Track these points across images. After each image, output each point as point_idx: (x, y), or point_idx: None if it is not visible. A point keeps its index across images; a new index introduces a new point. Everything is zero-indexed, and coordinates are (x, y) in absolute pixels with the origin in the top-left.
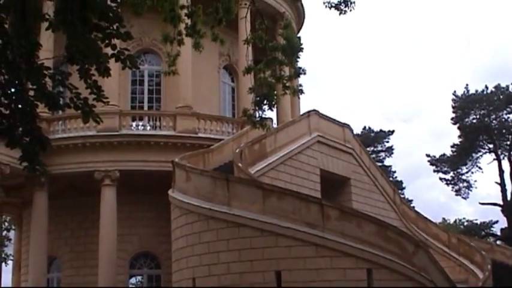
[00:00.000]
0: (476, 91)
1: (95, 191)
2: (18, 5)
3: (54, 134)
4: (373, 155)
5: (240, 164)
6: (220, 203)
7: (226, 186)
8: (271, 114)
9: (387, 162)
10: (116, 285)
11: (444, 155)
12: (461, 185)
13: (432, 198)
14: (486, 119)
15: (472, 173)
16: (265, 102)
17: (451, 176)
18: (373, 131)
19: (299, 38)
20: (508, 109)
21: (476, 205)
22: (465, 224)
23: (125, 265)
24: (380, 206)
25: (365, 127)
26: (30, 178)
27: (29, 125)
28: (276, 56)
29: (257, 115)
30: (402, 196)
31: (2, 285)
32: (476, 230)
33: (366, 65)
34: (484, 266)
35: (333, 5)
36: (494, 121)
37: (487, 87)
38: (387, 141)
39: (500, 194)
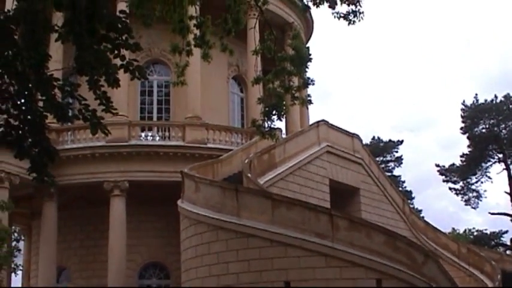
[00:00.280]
0: (486, 101)
1: (104, 202)
2: (28, 17)
3: (64, 144)
4: (382, 165)
5: (249, 174)
6: (230, 214)
7: (235, 196)
8: (280, 124)
9: (396, 172)
10: None
11: (453, 164)
12: (470, 194)
13: (441, 208)
14: (495, 129)
15: (482, 182)
16: (274, 112)
17: (460, 186)
18: (382, 141)
19: (308, 48)
20: None
21: (485, 215)
22: (475, 234)
23: (134, 275)
24: (389, 216)
25: (374, 137)
26: (40, 189)
27: (38, 136)
28: (285, 66)
29: (266, 125)
30: (411, 206)
31: None
32: (486, 240)
33: (374, 75)
34: (494, 276)
35: (342, 15)
36: (503, 130)
37: (496, 97)
38: (396, 151)
39: (509, 203)
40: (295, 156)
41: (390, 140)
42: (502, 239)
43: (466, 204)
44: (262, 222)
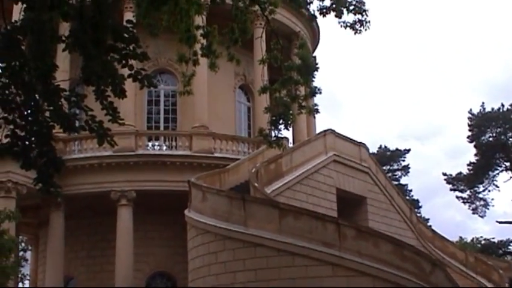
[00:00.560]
0: (493, 109)
1: (111, 211)
2: (35, 27)
3: (71, 154)
4: (389, 174)
5: (256, 184)
6: (237, 223)
7: (242, 206)
8: (286, 133)
9: (403, 181)
10: None
11: (461, 173)
12: (478, 203)
13: (448, 217)
14: (502, 137)
15: (489, 191)
16: (281, 121)
17: (467, 195)
18: (389, 150)
19: (314, 57)
20: None
21: (493, 223)
22: (482, 242)
23: (142, 285)
24: (396, 225)
25: (381, 146)
26: (47, 198)
27: (44, 147)
28: (292, 75)
29: (273, 135)
30: (419, 215)
31: None
32: (494, 249)
33: (380, 83)
34: (502, 285)
35: (348, 24)
36: (510, 139)
37: (503, 105)
38: (403, 160)
39: None
40: (302, 166)
41: (397, 149)
42: (509, 247)
43: (473, 213)
44: (269, 231)
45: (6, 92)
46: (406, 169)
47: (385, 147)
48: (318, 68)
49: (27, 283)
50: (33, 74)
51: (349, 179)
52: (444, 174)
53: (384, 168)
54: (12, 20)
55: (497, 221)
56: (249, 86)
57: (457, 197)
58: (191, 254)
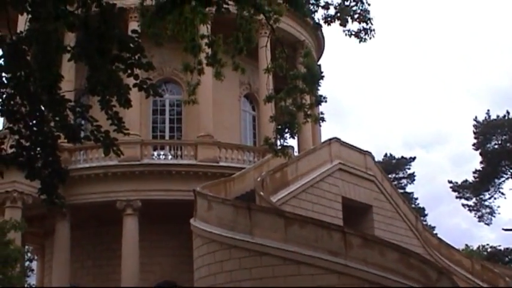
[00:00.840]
0: (498, 116)
1: (116, 221)
2: (40, 37)
3: (76, 164)
4: (395, 182)
5: (261, 193)
6: (242, 232)
7: (248, 214)
8: (292, 142)
9: (409, 189)
10: None
11: (466, 181)
12: (484, 211)
13: (454, 224)
14: (508, 144)
15: (495, 198)
16: (286, 130)
17: (473, 202)
18: (394, 158)
19: (319, 66)
20: None
21: (499, 231)
22: (488, 250)
23: None
24: (402, 233)
25: (386, 154)
26: (52, 208)
27: (50, 157)
28: (297, 84)
29: (278, 143)
30: (424, 223)
31: None
32: (500, 256)
33: (385, 91)
34: None
35: (353, 33)
36: None
37: (508, 113)
38: (408, 168)
39: None
40: (308, 174)
41: (402, 157)
42: None
43: (479, 221)
44: (275, 240)
45: (12, 102)
46: (411, 177)
47: (391, 155)
48: (323, 76)
49: None
50: (39, 84)
51: (355, 187)
52: (450, 182)
53: (390, 176)
54: (18, 31)
55: (503, 229)
56: (254, 94)
57: (463, 205)
58: (197, 263)
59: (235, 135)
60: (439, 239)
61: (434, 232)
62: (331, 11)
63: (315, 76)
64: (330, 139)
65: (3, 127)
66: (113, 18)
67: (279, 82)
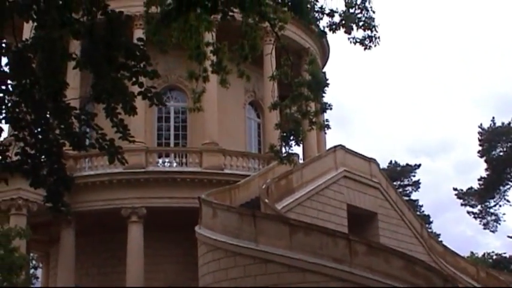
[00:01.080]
0: (503, 123)
1: (121, 228)
2: (45, 45)
3: (81, 171)
4: (400, 190)
5: (266, 200)
6: (247, 239)
7: (253, 222)
8: (297, 149)
9: (414, 196)
10: None
11: (471, 188)
12: (489, 218)
13: (459, 232)
14: None
15: (500, 206)
16: (291, 137)
17: (478, 210)
18: (399, 165)
19: (324, 73)
20: None
21: (504, 238)
22: (494, 257)
23: None
24: (407, 241)
25: (391, 161)
26: (58, 216)
27: (55, 165)
28: (302, 91)
29: (283, 151)
30: (429, 230)
31: None
32: (505, 264)
33: (390, 99)
34: None
35: (358, 40)
36: None
37: None
38: (413, 176)
39: None
40: (313, 182)
41: (407, 164)
42: None
43: (484, 228)
44: (280, 247)
45: (17, 109)
46: (416, 184)
47: (396, 162)
48: (328, 83)
49: None
50: (44, 91)
51: (360, 194)
52: (455, 189)
53: (395, 183)
54: (23, 38)
55: (508, 236)
56: (259, 102)
57: (468, 212)
58: (202, 271)
59: (240, 142)
60: (444, 246)
61: (440, 239)
62: (336, 18)
63: (320, 83)
64: (335, 146)
65: (8, 134)
66: (120, 26)
67: (284, 89)
